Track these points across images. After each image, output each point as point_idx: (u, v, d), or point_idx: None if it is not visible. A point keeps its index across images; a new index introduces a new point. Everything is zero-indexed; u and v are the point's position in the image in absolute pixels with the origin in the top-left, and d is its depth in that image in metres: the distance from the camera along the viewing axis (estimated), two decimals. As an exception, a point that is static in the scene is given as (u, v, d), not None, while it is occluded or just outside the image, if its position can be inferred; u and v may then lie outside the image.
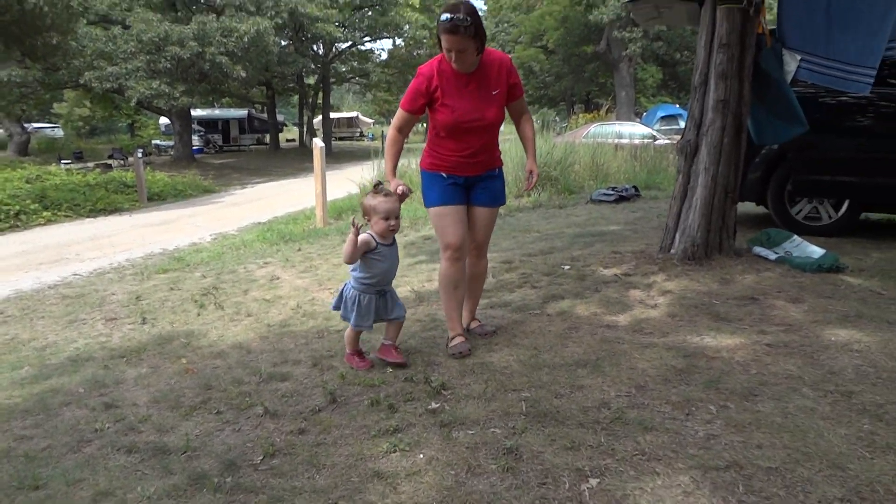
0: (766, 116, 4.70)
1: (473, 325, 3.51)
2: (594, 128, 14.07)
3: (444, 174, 3.15)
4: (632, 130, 14.79)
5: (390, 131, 3.16)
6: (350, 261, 2.85)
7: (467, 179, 3.18)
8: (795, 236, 4.96)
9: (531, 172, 3.30)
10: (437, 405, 2.63)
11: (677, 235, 4.74)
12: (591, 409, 2.52)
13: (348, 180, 12.25)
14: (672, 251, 4.76)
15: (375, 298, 2.98)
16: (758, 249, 4.83)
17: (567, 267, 4.83)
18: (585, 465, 2.13)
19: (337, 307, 3.07)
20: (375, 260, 2.92)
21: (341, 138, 45.57)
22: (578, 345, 3.21)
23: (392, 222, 2.88)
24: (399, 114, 3.15)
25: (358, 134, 49.40)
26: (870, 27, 4.54)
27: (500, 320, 3.71)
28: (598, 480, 2.05)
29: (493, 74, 3.09)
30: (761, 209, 6.88)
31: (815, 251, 4.71)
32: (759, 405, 2.51)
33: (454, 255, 3.16)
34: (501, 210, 8.88)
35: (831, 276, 4.36)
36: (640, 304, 3.84)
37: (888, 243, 5.57)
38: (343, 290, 3.03)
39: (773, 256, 4.68)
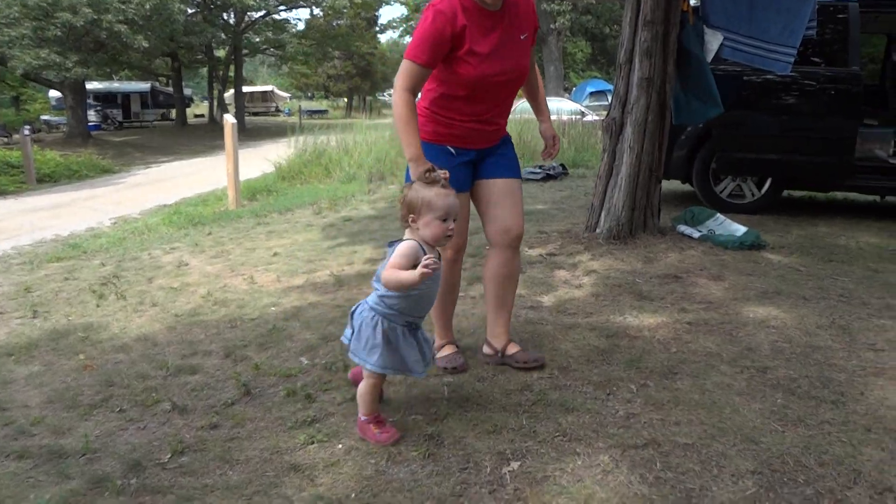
0: (683, 96, 4.89)
1: (511, 349, 2.83)
2: (521, 104, 14.26)
3: (452, 148, 2.60)
4: (560, 106, 15.07)
5: (400, 95, 2.41)
6: (401, 288, 2.17)
7: (479, 153, 2.68)
8: (719, 214, 5.21)
9: (554, 138, 2.86)
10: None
11: (602, 214, 4.90)
12: (514, 392, 2.61)
13: (263, 159, 12.05)
14: (598, 230, 4.92)
15: (404, 333, 2.28)
16: (682, 228, 5.05)
17: (486, 247, 4.91)
18: (507, 449, 2.21)
19: (353, 347, 2.32)
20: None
21: (255, 114, 44.53)
22: (503, 328, 3.29)
23: (451, 225, 2.21)
24: (409, 69, 2.42)
25: (273, 109, 48.39)
26: (791, 7, 4.79)
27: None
28: (519, 463, 2.13)
29: (521, 13, 2.57)
30: (687, 187, 7.17)
31: (738, 229, 4.96)
32: (678, 383, 2.66)
33: (456, 257, 2.78)
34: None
35: (753, 254, 4.61)
36: (564, 284, 3.97)
37: (808, 220, 5.92)
38: (355, 312, 2.32)
39: (696, 234, 4.91)
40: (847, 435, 2.25)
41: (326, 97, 56.92)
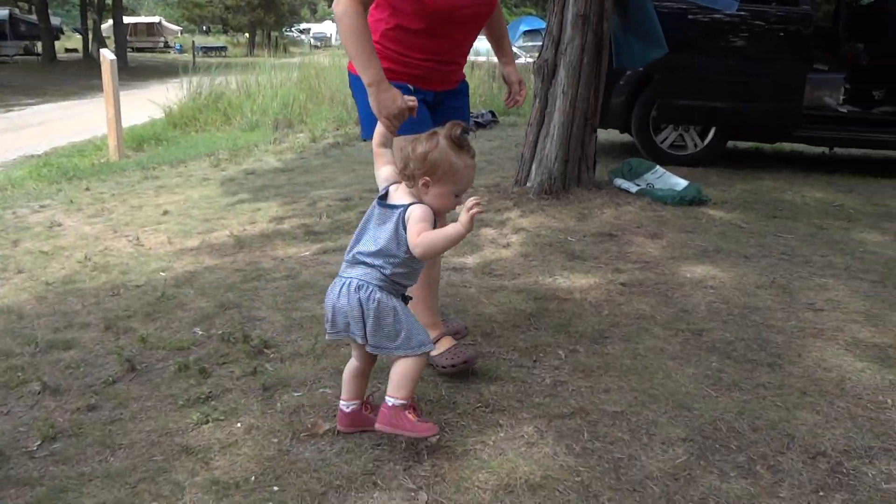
0: (624, 36, 4.99)
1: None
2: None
3: (410, 87, 2.49)
4: (489, 47, 15.06)
5: (347, 3, 2.21)
6: (449, 246, 2.07)
7: (436, 96, 2.59)
8: (658, 167, 5.37)
9: (520, 83, 2.77)
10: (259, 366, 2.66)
11: (534, 167, 4.98)
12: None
13: (150, 102, 11.65)
14: (528, 184, 5.00)
15: (391, 299, 2.13)
16: (619, 181, 5.19)
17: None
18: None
19: (374, 340, 2.09)
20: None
21: (140, 49, 42.89)
22: (422, 292, 3.33)
23: (461, 202, 2.06)
24: None
25: (162, 45, 46.64)
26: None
27: (335, 267, 3.76)
28: (436, 437, 2.18)
29: None
30: (626, 137, 7.34)
31: (679, 182, 5.13)
32: (609, 348, 2.77)
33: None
34: (337, 139, 8.92)
35: (693, 209, 4.79)
36: (491, 243, 4.03)
37: (753, 174, 6.17)
38: (364, 297, 2.07)
39: (634, 189, 5.05)
40: (782, 399, 2.40)
41: (225, 32, 55.18)
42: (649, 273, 3.58)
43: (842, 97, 6.74)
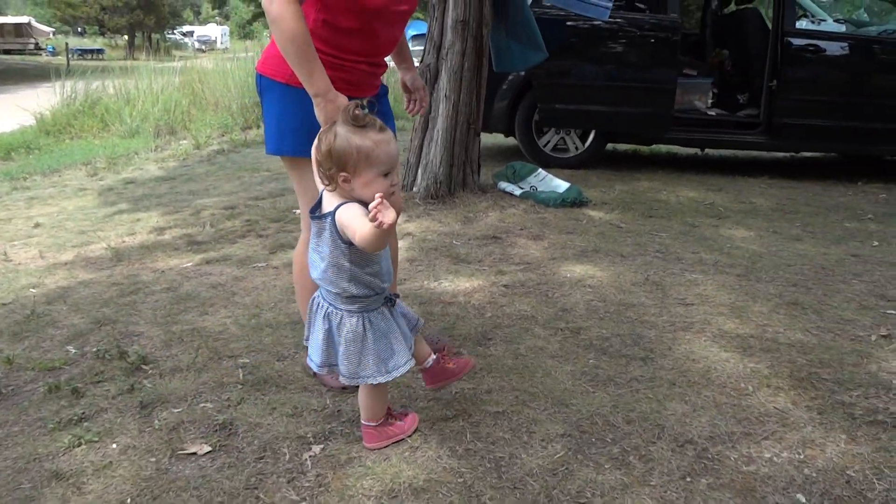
0: (505, 41, 5.09)
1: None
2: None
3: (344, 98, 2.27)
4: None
5: (287, 6, 2.01)
6: (379, 246, 1.87)
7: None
8: (540, 170, 5.51)
9: (423, 88, 2.68)
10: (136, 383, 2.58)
11: (419, 172, 5.02)
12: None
13: (20, 108, 11.05)
14: (415, 189, 5.03)
15: (389, 312, 2.10)
16: (503, 184, 5.30)
17: (298, 211, 4.88)
18: (308, 432, 2.25)
19: (326, 364, 2.11)
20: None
21: (7, 51, 40.61)
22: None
23: (395, 179, 1.96)
24: None
25: (32, 47, 44.30)
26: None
27: (219, 277, 3.69)
28: (321, 447, 2.18)
29: None
30: (510, 140, 7.50)
31: (560, 185, 5.28)
32: (492, 349, 2.83)
33: None
34: (222, 145, 8.73)
35: (574, 211, 4.94)
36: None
37: (631, 175, 6.41)
38: (314, 320, 2.11)
39: (518, 192, 5.17)
40: (653, 391, 2.51)
41: (101, 34, 52.89)
42: (531, 274, 3.67)
43: (710, 101, 7.12)
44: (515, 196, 5.14)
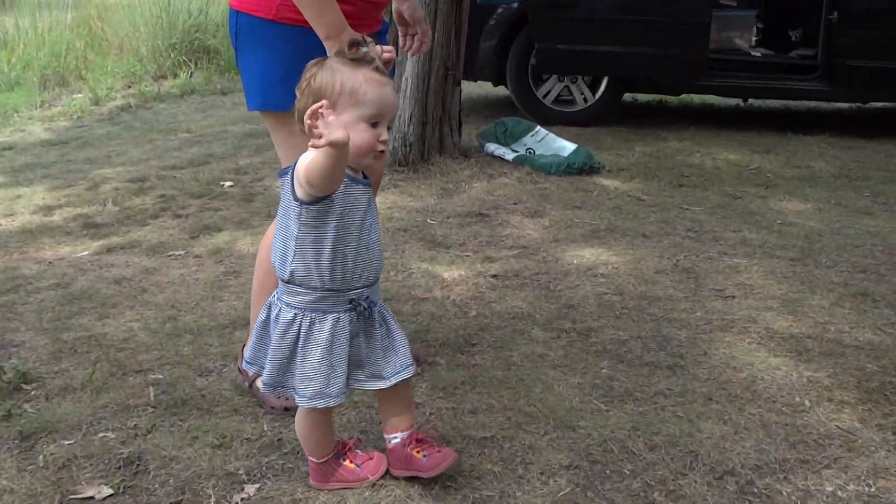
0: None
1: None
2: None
3: None
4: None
5: None
6: (328, 188, 1.89)
7: None
8: (539, 127, 5.50)
9: (424, 20, 2.67)
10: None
11: (384, 131, 4.98)
12: (253, 387, 2.62)
13: None
14: (377, 154, 5.00)
15: (349, 322, 2.04)
16: (491, 147, 5.28)
17: (229, 184, 4.87)
18: (240, 468, 2.23)
19: (254, 361, 2.15)
20: (338, 216, 1.96)
21: None
22: (238, 296, 3.30)
23: (384, 134, 1.95)
24: None
25: None
26: None
27: (124, 269, 3.66)
28: (257, 486, 2.15)
29: None
30: (500, 91, 7.47)
31: (565, 147, 5.28)
32: (478, 357, 2.82)
33: None
34: (129, 100, 8.67)
35: (583, 180, 4.94)
36: (330, 232, 4.03)
37: (656, 133, 6.42)
38: (268, 316, 2.11)
39: (510, 156, 5.16)
40: (684, 408, 2.51)
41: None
42: (528, 261, 3.67)
43: (754, 38, 7.12)
44: (507, 161, 5.13)
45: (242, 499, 2.11)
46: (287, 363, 2.03)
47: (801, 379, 2.68)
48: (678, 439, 2.35)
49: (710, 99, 7.93)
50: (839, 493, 2.14)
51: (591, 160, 5.11)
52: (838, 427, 2.42)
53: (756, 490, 2.14)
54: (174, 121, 7.34)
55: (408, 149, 4.87)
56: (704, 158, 5.68)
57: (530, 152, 5.24)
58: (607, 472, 2.22)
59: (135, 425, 2.44)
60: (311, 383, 2.00)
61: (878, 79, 6.48)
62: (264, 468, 2.23)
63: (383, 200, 4.43)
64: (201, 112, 7.61)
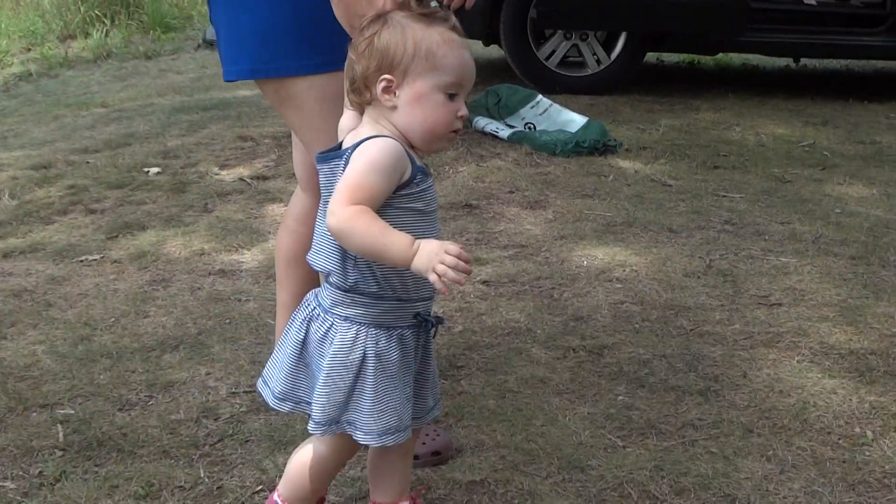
0: None
1: None
2: None
3: None
4: None
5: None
6: (383, 258, 1.80)
7: None
8: (541, 97, 5.52)
9: None
10: None
11: (347, 102, 5.01)
12: (185, 423, 2.64)
13: None
14: (340, 130, 5.03)
15: (413, 340, 2.01)
16: (482, 122, 5.31)
17: (155, 170, 4.87)
18: (170, 525, 2.26)
19: (288, 396, 2.04)
20: (410, 211, 1.91)
21: None
22: (167, 311, 3.32)
23: (462, 108, 1.91)
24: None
25: None
26: None
27: (25, 279, 3.66)
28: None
29: None
30: (493, 50, 7.49)
31: (573, 120, 5.30)
32: (464, 383, 2.85)
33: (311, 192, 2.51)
34: (28, 66, 8.65)
35: (595, 161, 4.96)
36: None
37: (686, 103, 6.46)
38: (308, 333, 2.00)
39: (505, 132, 5.18)
40: (719, 443, 2.54)
41: None
42: (527, 263, 3.70)
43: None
44: (501, 139, 5.15)
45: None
46: (348, 393, 1.93)
47: (862, 405, 2.71)
48: (711, 481, 2.38)
49: (754, 59, 7.98)
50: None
51: (606, 137, 5.13)
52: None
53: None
54: (86, 92, 7.33)
55: (378, 125, 4.89)
56: (746, 133, 5.72)
57: (530, 127, 5.26)
58: (623, 522, 2.26)
59: (39, 472, 2.44)
60: (384, 416, 1.93)
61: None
62: (197, 521, 2.26)
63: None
64: (120, 81, 7.58)
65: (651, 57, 7.14)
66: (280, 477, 2.35)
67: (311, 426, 1.96)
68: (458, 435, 2.58)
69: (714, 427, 2.62)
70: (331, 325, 1.92)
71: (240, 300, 3.40)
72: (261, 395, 2.07)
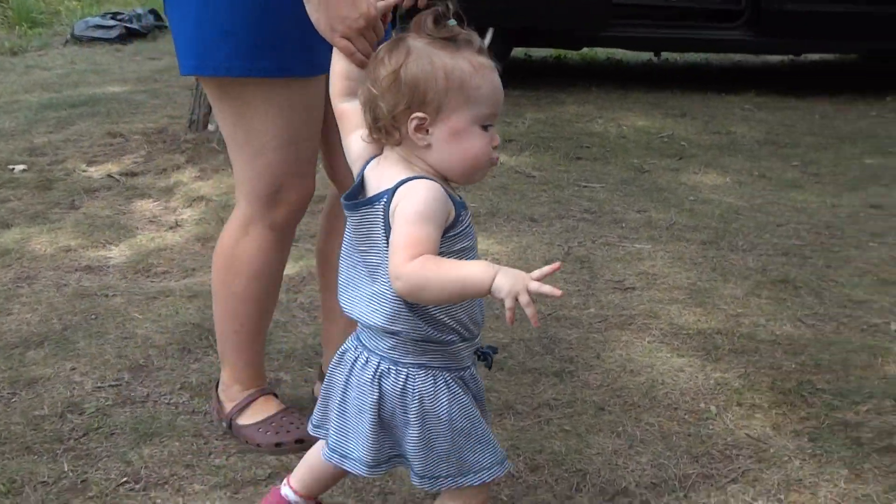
0: None
1: None
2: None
3: None
4: None
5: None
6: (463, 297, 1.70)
7: None
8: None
9: None
10: None
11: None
12: (49, 418, 2.62)
13: None
14: (211, 126, 5.01)
15: (445, 386, 1.85)
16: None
17: (21, 167, 4.79)
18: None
19: (377, 464, 1.89)
20: (459, 253, 1.77)
21: None
22: (32, 308, 3.28)
23: (496, 138, 1.79)
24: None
25: None
26: None
27: None
28: None
29: None
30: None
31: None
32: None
33: (292, 216, 2.42)
34: None
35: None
36: (150, 224, 4.04)
37: (551, 95, 6.55)
38: (344, 386, 1.90)
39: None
40: (572, 421, 2.62)
41: None
42: (392, 253, 3.72)
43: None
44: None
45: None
46: (448, 440, 1.82)
47: (707, 381, 2.82)
48: (564, 457, 2.45)
49: (617, 53, 8.13)
50: (746, 510, 2.29)
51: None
52: (748, 435, 2.57)
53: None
54: (26, 83, 7.17)
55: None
56: (608, 125, 5.84)
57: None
58: None
59: None
60: (486, 450, 1.87)
61: (814, 26, 6.74)
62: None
63: (219, 184, 4.44)
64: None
65: (519, 52, 7.22)
66: (145, 468, 2.39)
67: (417, 480, 1.87)
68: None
69: (568, 406, 2.69)
70: (405, 378, 1.78)
71: (106, 295, 3.37)
72: (341, 464, 1.90)
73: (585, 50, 7.89)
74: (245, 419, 2.50)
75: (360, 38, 1.90)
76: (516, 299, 1.49)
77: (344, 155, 2.00)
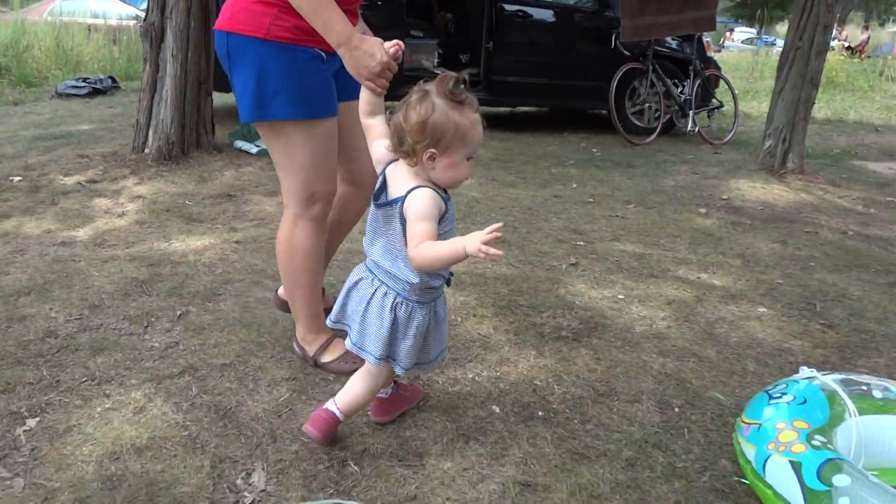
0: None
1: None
2: (59, 3, 12.77)
3: (322, 52, 2.07)
4: (108, 8, 13.84)
5: None
6: (444, 267, 1.74)
7: (336, 61, 2.08)
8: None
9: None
10: None
11: (150, 132, 4.74)
12: (34, 341, 2.44)
13: None
14: (146, 150, 4.75)
15: (436, 314, 1.92)
16: (239, 143, 5.16)
17: (18, 178, 4.44)
18: (23, 406, 2.08)
19: (384, 356, 1.87)
20: (447, 234, 1.81)
21: None
22: (23, 270, 3.04)
23: (471, 164, 1.80)
24: None
25: None
26: None
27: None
28: (37, 419, 2.02)
29: None
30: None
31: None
32: (221, 304, 2.77)
33: (325, 210, 2.26)
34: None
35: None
36: (105, 214, 3.79)
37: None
38: (367, 304, 1.86)
39: (254, 150, 5.06)
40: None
41: None
42: (264, 229, 3.63)
43: (436, 60, 7.35)
44: (252, 154, 5.03)
45: (24, 431, 1.98)
46: (423, 343, 1.90)
47: (456, 302, 2.85)
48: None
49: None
50: (476, 378, 2.33)
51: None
52: (479, 334, 2.62)
53: (421, 383, 2.28)
54: None
55: (171, 146, 4.65)
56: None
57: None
58: (317, 380, 2.28)
59: (-73, 380, 2.21)
60: (429, 352, 1.94)
61: (521, 90, 6.93)
62: (44, 405, 2.10)
63: (151, 188, 4.23)
64: (-5, 120, 6.88)
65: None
66: (99, 371, 2.25)
67: (398, 372, 1.92)
68: (216, 336, 2.51)
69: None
70: (411, 309, 1.83)
71: (74, 261, 3.15)
72: (360, 354, 1.89)
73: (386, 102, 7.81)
74: (326, 357, 2.35)
75: (378, 78, 1.89)
76: (479, 252, 1.50)
77: (356, 164, 2.32)
